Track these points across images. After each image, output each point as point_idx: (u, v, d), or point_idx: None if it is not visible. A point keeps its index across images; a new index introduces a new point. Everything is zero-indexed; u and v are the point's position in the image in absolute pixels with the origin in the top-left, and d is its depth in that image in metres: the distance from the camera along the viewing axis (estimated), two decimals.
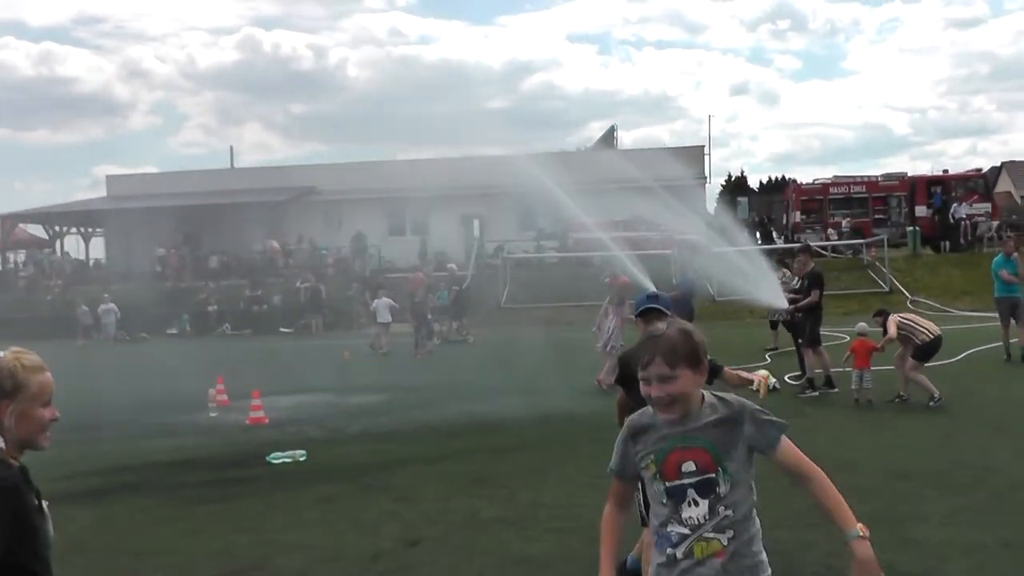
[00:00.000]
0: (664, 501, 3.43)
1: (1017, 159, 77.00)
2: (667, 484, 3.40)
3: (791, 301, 16.38)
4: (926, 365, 14.55)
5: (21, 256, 50.64)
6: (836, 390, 15.68)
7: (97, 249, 52.99)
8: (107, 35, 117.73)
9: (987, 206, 42.48)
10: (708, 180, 48.93)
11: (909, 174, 45.45)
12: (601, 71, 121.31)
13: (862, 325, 15.52)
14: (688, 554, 3.36)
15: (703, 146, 49.19)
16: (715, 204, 69.80)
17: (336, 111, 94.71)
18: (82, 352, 31.45)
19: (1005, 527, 8.04)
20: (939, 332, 14.39)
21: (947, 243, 41.13)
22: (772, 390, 17.23)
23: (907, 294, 33.62)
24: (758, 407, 3.44)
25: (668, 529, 3.41)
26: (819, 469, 3.48)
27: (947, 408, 13.86)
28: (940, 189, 43.00)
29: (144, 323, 37.61)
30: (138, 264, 46.05)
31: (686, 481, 3.37)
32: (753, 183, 77.52)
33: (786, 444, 3.44)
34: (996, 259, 19.80)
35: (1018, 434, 12.14)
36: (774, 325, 21.62)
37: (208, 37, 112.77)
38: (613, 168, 35.16)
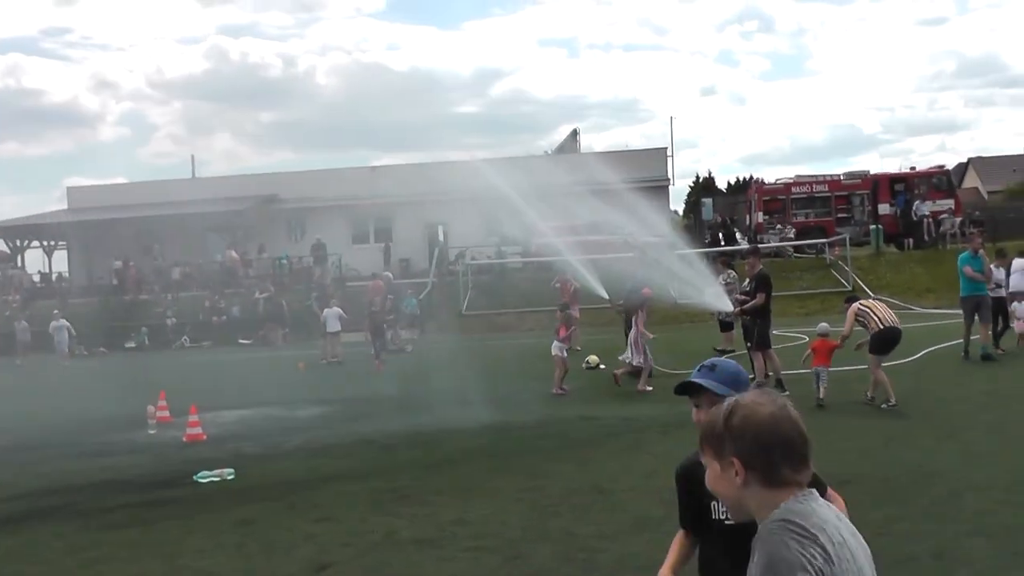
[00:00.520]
0: None
1: (984, 155, 77.48)
2: None
3: (741, 303, 16.08)
4: (884, 363, 14.25)
5: None
6: (787, 393, 15.35)
7: (60, 262, 52.22)
8: (74, 45, 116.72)
9: (951, 203, 42.37)
10: (672, 182, 48.70)
11: (871, 172, 45.29)
12: (570, 75, 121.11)
13: (823, 325, 15.24)
14: None
15: (666, 148, 48.96)
16: (682, 206, 70.01)
17: (305, 119, 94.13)
18: (27, 370, 30.69)
19: (939, 537, 7.74)
20: (892, 323, 14.00)
21: (911, 241, 41.01)
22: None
23: (870, 293, 33.41)
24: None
25: None
26: None
27: (899, 409, 13.58)
28: (903, 187, 42.90)
29: (103, 337, 37.06)
30: (99, 277, 45.39)
31: None
32: (722, 184, 77.46)
33: None
34: (962, 256, 19.27)
35: (966, 438, 11.85)
36: (725, 327, 21.40)
37: (176, 46, 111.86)
38: (575, 172, 34.81)
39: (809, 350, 14.79)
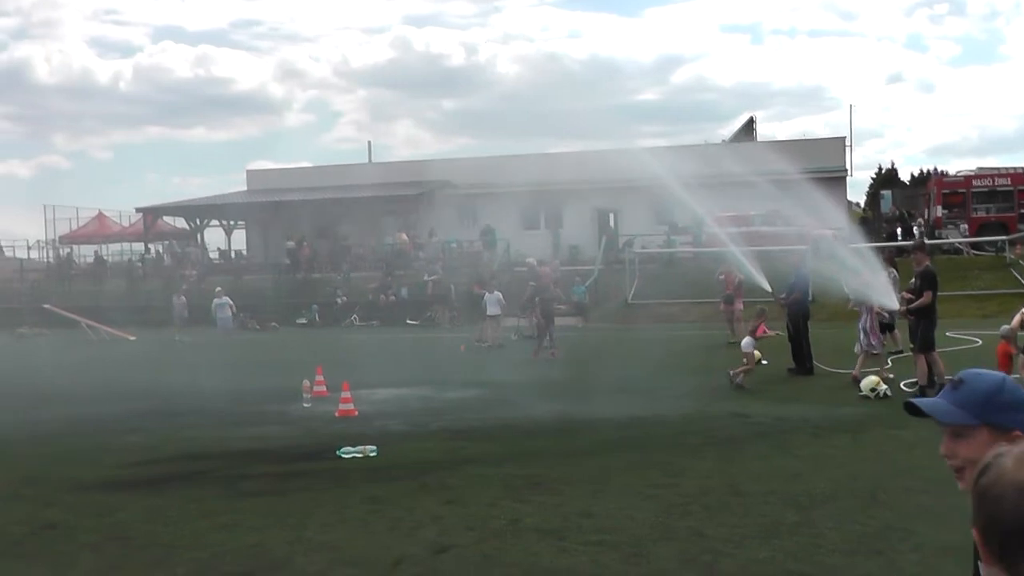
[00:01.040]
0: None
1: None
2: None
3: (908, 301, 15.27)
4: None
5: (160, 247, 52.49)
6: None
7: (239, 241, 54.43)
8: (263, 37, 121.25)
9: None
10: (850, 173, 46.93)
11: None
12: (753, 61, 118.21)
13: (1006, 328, 14.37)
14: None
15: (844, 137, 47.21)
16: (864, 198, 67.49)
17: (486, 107, 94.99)
18: (188, 344, 31.26)
19: None
20: None
21: None
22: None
23: None
24: None
25: None
26: None
27: None
28: None
29: (276, 312, 38.34)
30: (274, 256, 47.00)
31: None
32: (905, 176, 74.28)
33: None
34: None
35: None
36: (885, 328, 20.53)
37: (361, 36, 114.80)
38: (748, 161, 33.91)
39: None
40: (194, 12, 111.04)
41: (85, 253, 53.50)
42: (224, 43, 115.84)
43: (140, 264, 49.23)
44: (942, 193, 41.60)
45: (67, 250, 52.92)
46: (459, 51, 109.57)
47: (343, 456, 11.94)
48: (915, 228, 41.47)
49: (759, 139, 51.22)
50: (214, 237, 54.37)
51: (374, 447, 12.21)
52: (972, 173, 42.34)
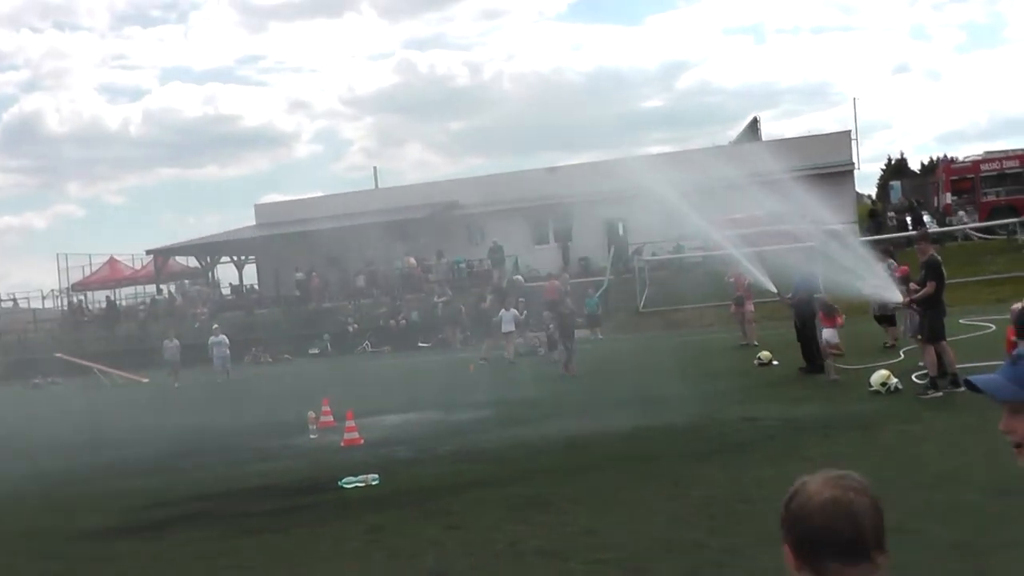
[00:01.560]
0: None
1: None
2: None
3: (912, 292, 15.00)
4: None
5: (172, 288, 52.54)
6: (962, 390, 14.19)
7: (251, 275, 54.38)
8: (268, 71, 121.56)
9: None
10: (857, 166, 46.55)
11: None
12: (758, 62, 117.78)
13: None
14: None
15: (849, 131, 46.85)
16: (875, 190, 67.00)
17: (493, 125, 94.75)
18: (186, 386, 30.75)
19: None
20: None
21: None
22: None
23: None
24: None
25: None
26: None
27: None
28: None
29: (288, 344, 38.27)
30: (286, 288, 46.94)
31: None
32: (915, 165, 73.72)
33: None
34: None
35: None
36: (885, 321, 20.38)
37: (365, 63, 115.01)
38: (750, 162, 33.68)
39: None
40: (200, 51, 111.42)
41: (98, 299, 53.66)
42: (231, 79, 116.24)
43: (142, 309, 49.25)
44: (951, 180, 41.24)
45: (79, 297, 53.00)
46: (463, 71, 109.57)
47: (345, 487, 11.76)
48: (925, 217, 41.11)
49: (764, 139, 50.85)
50: (226, 273, 54.50)
51: (376, 475, 12.02)
52: (980, 158, 41.95)
